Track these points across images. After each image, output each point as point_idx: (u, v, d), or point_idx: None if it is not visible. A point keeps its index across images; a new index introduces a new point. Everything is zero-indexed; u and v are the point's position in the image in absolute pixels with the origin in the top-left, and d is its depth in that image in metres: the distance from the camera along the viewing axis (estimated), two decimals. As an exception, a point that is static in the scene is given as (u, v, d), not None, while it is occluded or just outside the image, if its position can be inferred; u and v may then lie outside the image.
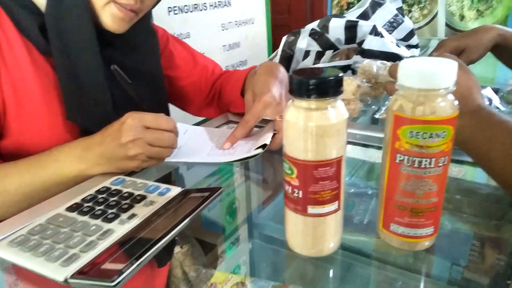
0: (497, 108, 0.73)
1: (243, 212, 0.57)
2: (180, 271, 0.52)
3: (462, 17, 1.70)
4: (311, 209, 0.35)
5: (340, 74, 0.31)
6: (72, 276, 0.32)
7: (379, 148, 0.63)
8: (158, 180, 0.57)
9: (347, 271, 0.43)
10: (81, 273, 0.32)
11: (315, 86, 0.31)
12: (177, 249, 0.51)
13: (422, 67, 0.34)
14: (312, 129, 0.33)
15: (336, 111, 0.34)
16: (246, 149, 0.62)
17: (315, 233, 0.37)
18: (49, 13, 0.57)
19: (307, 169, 0.34)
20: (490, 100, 0.72)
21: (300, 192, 0.35)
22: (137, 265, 0.32)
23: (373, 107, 0.78)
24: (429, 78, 0.34)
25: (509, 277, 0.38)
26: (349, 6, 1.90)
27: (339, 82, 0.32)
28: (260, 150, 0.59)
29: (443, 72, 0.34)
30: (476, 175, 0.59)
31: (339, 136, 0.34)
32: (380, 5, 1.02)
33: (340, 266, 0.42)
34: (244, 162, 0.61)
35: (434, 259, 0.42)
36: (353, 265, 0.43)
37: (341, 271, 0.42)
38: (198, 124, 0.78)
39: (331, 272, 0.41)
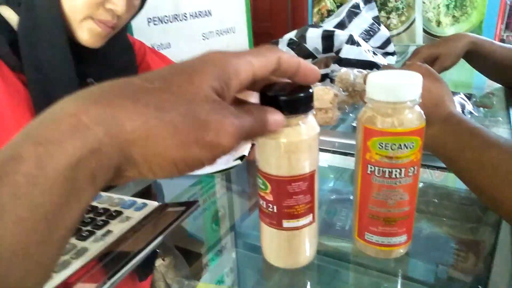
0: (471, 113, 0.75)
1: (226, 222, 0.57)
2: (163, 283, 0.52)
3: (438, 23, 1.74)
4: (286, 223, 0.36)
5: (311, 90, 0.31)
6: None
7: (357, 156, 0.64)
8: (137, 194, 0.57)
9: (332, 278, 0.43)
10: (53, 294, 0.32)
11: (285, 103, 0.30)
12: (158, 261, 0.51)
13: (388, 81, 0.35)
14: (285, 145, 0.33)
15: (308, 126, 0.34)
16: (225, 160, 0.62)
17: (290, 246, 0.37)
18: (22, 30, 0.57)
19: (280, 185, 0.34)
20: (463, 106, 0.74)
21: (275, 207, 0.35)
22: (111, 284, 0.32)
23: (351, 115, 0.79)
24: (395, 92, 0.35)
25: (487, 278, 0.39)
26: (329, 13, 1.92)
27: (309, 98, 0.32)
28: (238, 161, 0.59)
29: (409, 85, 0.35)
30: (457, 179, 0.61)
31: (311, 151, 0.34)
32: (356, 14, 1.04)
33: (325, 273, 0.43)
34: (225, 173, 0.61)
35: (415, 262, 0.42)
36: (339, 272, 0.44)
37: (327, 278, 0.43)
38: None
39: (316, 280, 0.42)
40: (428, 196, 0.55)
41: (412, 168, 0.36)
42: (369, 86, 0.36)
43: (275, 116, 0.27)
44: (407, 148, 0.35)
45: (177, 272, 0.50)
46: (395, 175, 0.36)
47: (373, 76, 0.36)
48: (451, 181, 0.59)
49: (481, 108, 0.79)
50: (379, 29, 1.04)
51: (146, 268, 0.44)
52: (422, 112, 0.36)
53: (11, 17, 0.58)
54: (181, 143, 0.21)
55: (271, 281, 0.42)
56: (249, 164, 0.62)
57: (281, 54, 0.27)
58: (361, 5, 1.07)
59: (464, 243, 0.46)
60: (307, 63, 0.29)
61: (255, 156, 0.36)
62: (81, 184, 0.20)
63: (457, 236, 0.48)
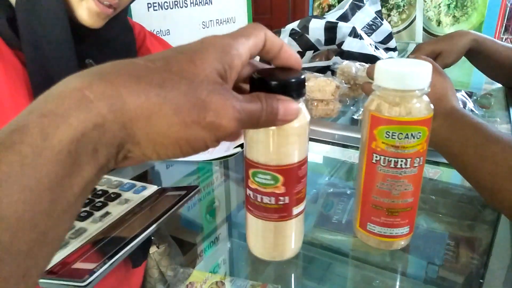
0: (472, 111, 0.75)
1: (222, 211, 0.56)
2: (157, 271, 0.51)
3: (439, 23, 1.75)
4: (295, 210, 0.35)
5: (302, 76, 0.30)
6: (42, 276, 0.31)
7: (357, 148, 0.64)
8: (134, 179, 0.56)
9: (325, 270, 0.43)
10: (51, 272, 0.31)
11: (278, 87, 0.28)
12: (153, 249, 0.51)
13: (397, 68, 0.34)
14: (298, 129, 0.32)
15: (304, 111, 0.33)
16: (225, 147, 0.62)
17: (295, 232, 0.37)
18: (21, 6, 0.55)
19: (293, 172, 0.33)
20: (464, 104, 0.74)
21: (286, 198, 0.34)
22: (110, 265, 0.32)
23: (351, 107, 0.78)
24: (404, 79, 0.34)
25: (483, 275, 0.39)
26: (330, 8, 1.92)
27: (302, 83, 0.30)
28: (238, 149, 0.59)
29: (418, 73, 0.34)
30: (452, 176, 0.61)
31: (308, 134, 0.34)
32: (359, 7, 1.03)
33: (319, 265, 0.43)
34: (223, 161, 0.60)
35: (411, 258, 0.42)
36: (332, 264, 0.43)
37: (320, 270, 0.43)
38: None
39: (309, 271, 0.41)
40: (425, 192, 0.55)
41: (417, 159, 0.36)
42: (377, 73, 0.36)
43: (288, 105, 0.26)
44: (414, 137, 0.35)
45: (171, 260, 0.50)
46: (401, 165, 0.36)
47: (382, 63, 0.35)
48: (445, 177, 0.60)
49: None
50: (381, 23, 1.04)
51: (140, 254, 0.43)
52: (431, 102, 0.36)
53: None
54: (183, 122, 0.21)
55: (265, 271, 0.42)
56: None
57: (266, 31, 0.27)
58: (365, -1, 1.06)
59: (461, 240, 0.46)
60: (290, 47, 0.29)
61: (247, 155, 0.33)
62: (83, 158, 0.20)
63: (454, 233, 0.48)
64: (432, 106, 0.36)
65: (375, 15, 1.04)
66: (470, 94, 0.80)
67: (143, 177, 0.59)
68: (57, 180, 0.19)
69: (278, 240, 0.37)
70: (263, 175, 0.33)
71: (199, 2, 1.50)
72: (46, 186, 0.18)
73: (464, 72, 1.11)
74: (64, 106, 0.19)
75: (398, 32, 1.80)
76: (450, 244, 0.45)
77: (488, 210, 0.51)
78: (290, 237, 0.37)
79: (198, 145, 0.23)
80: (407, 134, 0.35)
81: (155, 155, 0.23)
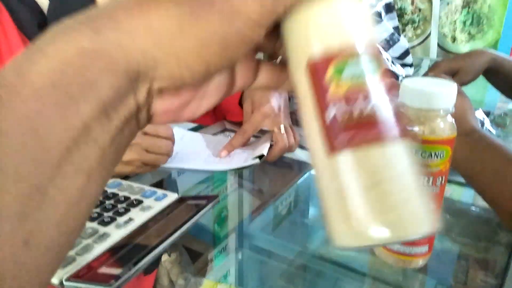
0: (489, 130, 0.75)
1: (233, 221, 0.57)
2: (167, 279, 0.52)
3: (454, 39, 1.74)
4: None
5: None
6: (68, 279, 0.32)
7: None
8: (151, 185, 0.57)
9: (333, 285, 0.43)
10: (77, 276, 0.32)
11: None
12: (164, 257, 0.51)
13: (423, 87, 0.35)
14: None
15: None
16: (243, 158, 0.63)
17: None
18: (52, 12, 0.57)
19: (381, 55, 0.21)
20: (482, 123, 0.74)
21: (381, 105, 0.19)
22: (135, 271, 0.32)
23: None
24: (430, 99, 0.35)
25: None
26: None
27: None
28: (257, 160, 0.60)
29: (444, 93, 0.35)
30: (462, 195, 0.60)
31: None
32: (377, 22, 1.04)
33: (327, 279, 0.43)
34: (238, 171, 0.61)
35: (423, 278, 0.42)
36: (340, 279, 0.43)
37: (328, 285, 0.43)
38: (193, 129, 0.77)
39: (317, 285, 0.41)
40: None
41: (440, 178, 0.36)
42: (402, 91, 0.36)
43: None
44: (437, 157, 0.35)
45: (181, 269, 0.50)
46: (423, 183, 0.36)
47: (408, 81, 0.36)
48: (456, 196, 0.59)
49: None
50: (398, 39, 1.04)
51: (152, 262, 0.43)
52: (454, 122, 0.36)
53: (42, 0, 0.58)
54: (194, 19, 0.18)
55: (275, 282, 0.42)
56: (263, 163, 0.62)
57: None
58: (383, 14, 1.07)
59: (475, 261, 0.46)
60: None
61: (314, 54, 0.19)
62: (75, 91, 0.17)
63: (468, 254, 0.48)
64: (455, 126, 0.36)
65: (392, 30, 1.05)
66: (487, 113, 0.80)
67: (160, 184, 0.60)
68: (43, 121, 0.16)
69: (402, 184, 0.19)
70: (356, 64, 0.19)
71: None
72: (28, 128, 0.16)
73: (478, 90, 1.10)
74: (41, 42, 0.17)
75: (413, 47, 1.80)
76: (463, 265, 0.45)
77: (503, 232, 0.50)
78: (418, 183, 0.20)
79: (226, 42, 0.18)
80: (430, 153, 0.35)
81: (188, 72, 0.19)
